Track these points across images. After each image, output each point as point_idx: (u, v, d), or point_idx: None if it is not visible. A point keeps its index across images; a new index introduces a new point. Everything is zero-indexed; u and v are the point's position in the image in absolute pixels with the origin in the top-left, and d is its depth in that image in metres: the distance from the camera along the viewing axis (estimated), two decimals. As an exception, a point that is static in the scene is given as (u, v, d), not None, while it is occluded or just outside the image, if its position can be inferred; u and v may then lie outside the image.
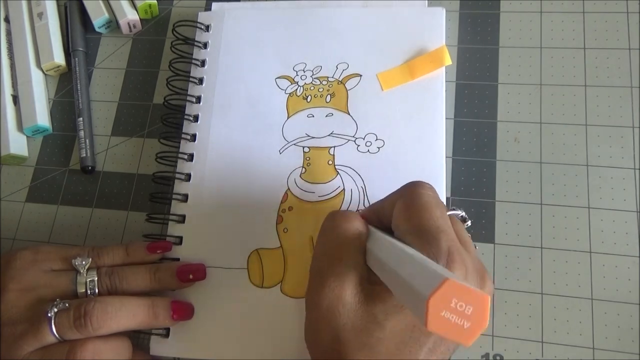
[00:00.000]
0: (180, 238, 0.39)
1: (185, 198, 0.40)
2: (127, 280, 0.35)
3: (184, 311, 0.36)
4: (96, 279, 0.35)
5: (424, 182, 0.30)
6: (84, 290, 0.34)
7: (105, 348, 0.33)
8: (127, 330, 0.34)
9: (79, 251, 0.36)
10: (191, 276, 0.37)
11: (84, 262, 0.35)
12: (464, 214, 0.33)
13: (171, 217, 0.39)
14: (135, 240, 0.38)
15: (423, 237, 0.27)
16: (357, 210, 0.37)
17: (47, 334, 0.32)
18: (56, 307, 0.33)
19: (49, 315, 0.32)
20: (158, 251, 0.38)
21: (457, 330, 0.19)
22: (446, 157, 0.39)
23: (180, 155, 0.41)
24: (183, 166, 0.41)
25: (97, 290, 0.34)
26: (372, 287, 0.28)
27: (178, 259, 0.38)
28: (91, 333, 0.32)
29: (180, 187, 0.41)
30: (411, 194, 0.29)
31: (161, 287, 0.36)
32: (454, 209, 0.33)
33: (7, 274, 0.34)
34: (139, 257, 0.37)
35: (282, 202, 0.39)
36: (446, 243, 0.26)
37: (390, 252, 0.26)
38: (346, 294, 0.27)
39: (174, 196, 0.40)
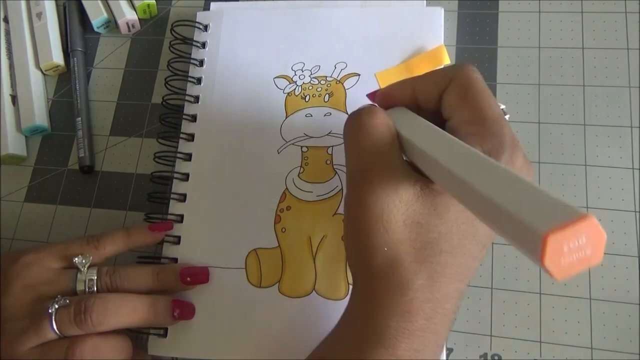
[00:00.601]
0: (179, 238, 0.39)
1: (183, 198, 0.40)
2: (129, 279, 0.35)
3: (185, 310, 0.36)
4: (95, 277, 0.35)
5: (474, 66, 0.27)
6: (83, 288, 0.34)
7: (105, 345, 0.33)
8: (128, 327, 0.34)
9: (79, 246, 0.36)
10: (194, 279, 0.37)
11: (84, 261, 0.35)
12: (504, 107, 0.31)
13: (169, 216, 0.39)
14: (135, 224, 0.38)
15: (487, 126, 0.25)
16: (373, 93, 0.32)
17: (48, 330, 0.32)
18: (57, 304, 0.33)
19: (50, 311, 0.32)
20: (159, 231, 0.38)
21: (584, 261, 0.18)
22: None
23: (178, 155, 0.41)
24: (181, 166, 0.41)
25: (95, 289, 0.35)
26: (422, 178, 0.26)
27: (176, 259, 0.38)
28: (91, 329, 0.32)
29: (178, 186, 0.41)
30: (467, 80, 0.27)
31: (163, 289, 0.36)
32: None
33: (11, 272, 0.35)
34: (141, 239, 0.37)
35: (280, 202, 0.39)
36: (509, 132, 0.25)
37: (463, 157, 0.23)
38: (401, 187, 0.25)
39: (172, 196, 0.40)
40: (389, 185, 0.25)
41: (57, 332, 0.32)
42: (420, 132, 0.26)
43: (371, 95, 0.32)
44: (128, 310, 0.34)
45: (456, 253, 0.25)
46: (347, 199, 0.27)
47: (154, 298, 0.35)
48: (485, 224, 0.22)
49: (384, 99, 0.30)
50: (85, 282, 0.34)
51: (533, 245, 0.18)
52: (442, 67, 0.28)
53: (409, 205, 0.25)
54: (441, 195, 0.25)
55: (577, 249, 0.18)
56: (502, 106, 0.30)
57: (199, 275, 0.37)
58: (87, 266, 0.35)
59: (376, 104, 0.30)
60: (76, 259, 0.35)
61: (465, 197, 0.22)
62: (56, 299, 0.33)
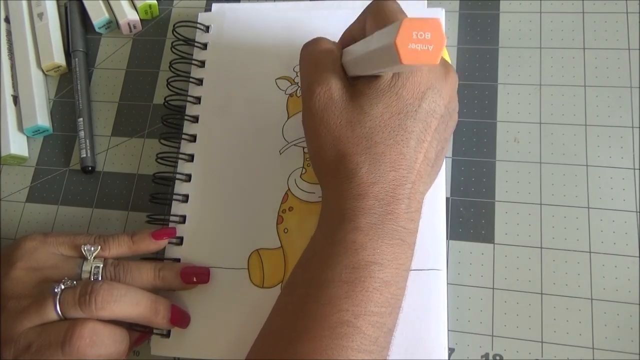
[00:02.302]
0: (181, 239, 0.39)
1: (185, 198, 0.40)
2: (132, 273, 0.36)
3: (181, 318, 0.36)
4: (101, 266, 0.35)
5: None
6: (88, 276, 0.35)
7: (105, 331, 0.33)
8: (127, 319, 0.34)
9: (86, 238, 0.37)
10: (195, 279, 0.37)
11: (92, 249, 0.36)
12: None
13: (172, 217, 0.40)
14: (140, 229, 0.38)
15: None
16: None
17: (50, 310, 0.32)
18: (63, 284, 0.33)
19: (56, 290, 0.33)
20: (163, 238, 0.38)
21: (425, 54, 0.24)
22: (446, 157, 0.39)
23: (180, 156, 0.41)
24: (184, 167, 0.41)
25: (100, 278, 0.35)
26: (353, 86, 0.31)
27: (179, 260, 0.38)
28: (93, 312, 0.33)
29: (180, 187, 0.41)
30: (377, 7, 0.31)
31: (164, 286, 0.36)
32: None
33: (17, 253, 0.35)
34: (145, 246, 0.38)
35: (282, 203, 0.39)
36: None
37: (361, 44, 0.30)
38: (334, 94, 0.31)
39: (174, 197, 0.40)
40: (326, 94, 0.31)
41: (59, 312, 0.32)
42: (348, 53, 0.32)
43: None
44: (131, 301, 0.34)
45: (390, 144, 0.30)
46: (302, 114, 0.33)
47: (157, 297, 0.35)
48: (380, 66, 0.28)
49: (340, 46, 0.34)
50: (91, 269, 0.35)
51: (393, 33, 0.24)
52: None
53: (341, 109, 0.31)
54: (366, 97, 0.30)
55: (422, 41, 0.23)
56: None
57: (199, 275, 0.37)
58: (94, 255, 0.35)
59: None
60: (85, 247, 0.36)
61: (363, 63, 0.29)
62: (63, 281, 0.33)
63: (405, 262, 0.30)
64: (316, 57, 0.33)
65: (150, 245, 0.38)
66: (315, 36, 0.43)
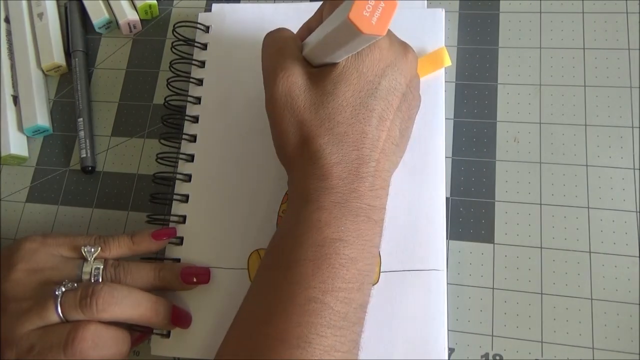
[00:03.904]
0: (181, 239, 0.39)
1: (186, 199, 0.40)
2: (132, 274, 0.36)
3: (182, 318, 0.36)
4: (102, 267, 0.35)
5: None
6: (88, 277, 0.35)
7: (106, 333, 0.33)
8: (129, 320, 0.34)
9: (86, 239, 0.37)
10: (195, 279, 0.37)
11: (92, 250, 0.36)
12: None
13: (172, 217, 0.40)
14: (140, 230, 0.38)
15: None
16: None
17: (52, 312, 0.32)
18: (64, 287, 0.33)
19: (57, 293, 0.33)
20: (163, 238, 0.38)
21: (379, 23, 0.25)
22: (446, 157, 0.39)
23: (181, 156, 0.41)
24: (184, 167, 0.41)
25: (100, 279, 0.35)
26: (316, 71, 0.32)
27: (179, 260, 0.39)
28: (95, 315, 0.33)
29: (181, 187, 0.41)
30: None
31: (164, 286, 0.37)
32: None
33: (17, 254, 0.35)
34: (145, 246, 0.38)
35: (282, 203, 0.39)
36: None
37: (318, 30, 0.31)
38: (297, 78, 0.31)
39: (174, 197, 0.40)
40: (289, 79, 0.31)
41: (61, 315, 0.32)
42: (308, 43, 0.33)
43: None
44: (132, 303, 0.34)
45: (352, 123, 0.30)
46: (265, 100, 0.33)
47: (157, 298, 0.35)
48: (338, 50, 0.29)
49: (301, 37, 0.35)
50: (91, 271, 0.35)
51: (353, 31, 0.25)
52: None
53: (305, 93, 0.31)
54: (327, 77, 0.31)
55: (374, 8, 0.25)
56: None
57: (199, 275, 0.37)
58: (94, 256, 0.35)
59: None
60: (85, 248, 0.36)
61: (322, 48, 0.30)
62: (63, 283, 0.33)
63: (372, 239, 0.31)
64: (278, 44, 0.33)
65: (151, 245, 0.38)
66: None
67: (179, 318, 0.36)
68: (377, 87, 0.31)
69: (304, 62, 0.32)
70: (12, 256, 0.35)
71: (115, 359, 0.34)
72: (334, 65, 0.31)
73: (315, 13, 0.35)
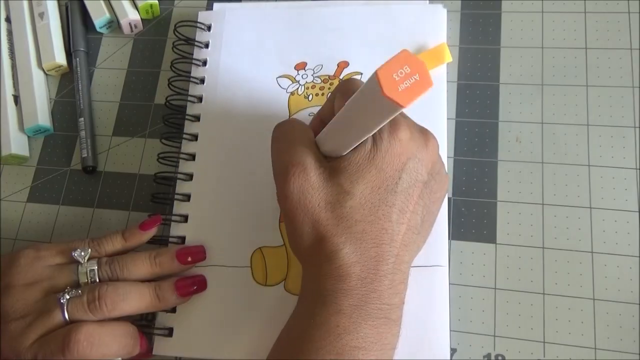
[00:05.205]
0: (183, 238, 0.39)
1: (187, 198, 0.40)
2: (128, 267, 0.36)
3: (190, 286, 0.37)
4: (96, 268, 0.35)
5: (354, 78, 0.32)
6: (85, 280, 0.35)
7: (101, 330, 0.33)
8: (138, 312, 0.35)
9: (79, 243, 0.37)
10: (190, 258, 0.37)
11: (83, 253, 0.36)
12: None
13: (174, 217, 0.40)
14: (130, 226, 0.39)
15: None
16: None
17: (58, 320, 0.33)
18: (68, 294, 0.33)
19: (62, 301, 0.33)
20: (151, 227, 0.38)
21: (418, 85, 0.22)
22: (448, 157, 0.39)
23: (182, 155, 0.41)
24: (185, 166, 0.41)
25: (97, 279, 0.35)
26: (330, 164, 0.30)
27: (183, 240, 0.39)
28: (106, 315, 0.33)
29: (182, 187, 0.41)
30: (345, 85, 0.31)
31: (162, 271, 0.37)
32: None
33: (12, 271, 0.35)
34: (136, 239, 0.38)
35: (283, 202, 0.39)
36: None
37: (334, 121, 0.29)
38: (310, 175, 0.29)
39: (176, 196, 0.40)
40: (301, 176, 0.29)
41: (69, 321, 0.33)
42: (322, 134, 0.31)
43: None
44: (136, 296, 0.34)
45: (371, 220, 0.29)
46: (277, 195, 0.31)
47: (157, 284, 0.36)
48: (362, 126, 0.27)
49: (313, 129, 0.33)
50: (87, 273, 0.35)
51: (376, 91, 0.22)
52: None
53: (319, 190, 0.29)
54: (345, 174, 0.29)
55: (406, 76, 0.22)
56: None
57: (195, 254, 0.38)
58: (86, 258, 0.36)
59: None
60: (75, 252, 0.36)
61: (342, 133, 0.28)
62: (66, 290, 0.34)
63: (391, 341, 0.29)
64: (289, 136, 0.31)
65: (141, 237, 0.38)
66: (316, 34, 0.43)
67: (186, 288, 0.36)
68: (397, 182, 0.29)
69: (317, 155, 0.30)
70: (7, 273, 0.35)
71: (123, 353, 0.34)
72: (350, 159, 0.29)
73: (325, 105, 0.33)
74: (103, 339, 0.33)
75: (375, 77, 0.22)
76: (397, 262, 0.29)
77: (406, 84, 0.22)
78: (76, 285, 0.35)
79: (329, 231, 0.29)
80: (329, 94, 0.41)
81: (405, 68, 0.22)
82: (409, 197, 0.29)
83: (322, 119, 0.33)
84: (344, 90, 0.30)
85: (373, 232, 0.29)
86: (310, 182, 0.29)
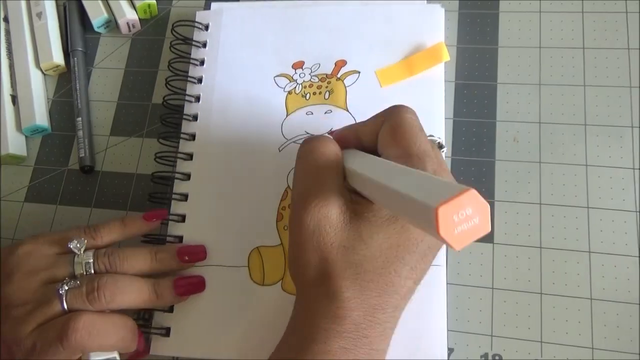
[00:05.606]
0: (181, 237, 0.39)
1: (185, 197, 0.40)
2: (128, 260, 0.36)
3: (189, 285, 0.37)
4: (92, 260, 0.35)
5: (407, 106, 0.31)
6: (81, 270, 0.35)
7: (100, 320, 0.33)
8: (135, 307, 0.35)
9: (76, 231, 0.37)
10: (190, 257, 0.37)
11: (78, 245, 0.36)
12: (441, 140, 0.35)
13: (171, 217, 0.39)
14: (131, 215, 0.39)
15: (412, 162, 0.28)
16: (331, 131, 0.37)
17: (57, 310, 0.33)
18: (67, 285, 0.33)
19: (60, 292, 0.33)
20: (154, 219, 0.38)
21: (475, 229, 0.21)
22: (445, 156, 0.39)
23: (180, 155, 0.41)
24: (182, 165, 0.41)
25: (93, 271, 0.35)
26: (355, 206, 0.29)
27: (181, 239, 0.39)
28: (104, 306, 0.33)
29: (180, 186, 0.41)
30: (397, 118, 0.30)
31: (162, 268, 0.37)
32: (432, 136, 0.34)
33: (11, 262, 0.35)
34: (136, 227, 0.38)
35: (282, 200, 0.39)
36: (431, 166, 0.28)
37: (384, 170, 0.27)
38: (332, 212, 0.28)
39: (174, 196, 0.40)
40: (322, 210, 0.28)
41: (68, 311, 0.33)
42: (359, 160, 0.30)
43: (331, 134, 0.34)
44: (135, 290, 0.35)
45: (381, 273, 0.28)
46: (290, 217, 0.30)
47: (156, 280, 0.36)
48: (400, 215, 0.26)
49: (337, 141, 0.32)
50: (82, 264, 0.35)
51: (431, 221, 0.20)
52: (381, 111, 0.31)
53: (337, 231, 0.28)
54: (367, 223, 0.28)
55: (465, 219, 0.20)
56: (438, 139, 0.34)
57: (196, 253, 0.38)
58: (82, 249, 0.35)
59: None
60: (71, 244, 0.36)
61: (381, 196, 0.26)
62: (65, 280, 0.34)
63: None
64: (320, 162, 0.30)
65: (142, 226, 0.38)
66: (313, 33, 0.43)
67: (185, 287, 0.36)
68: (418, 245, 0.28)
69: (343, 191, 0.29)
70: (7, 263, 0.35)
71: (120, 345, 0.34)
72: (376, 212, 0.28)
73: (371, 122, 0.31)
74: (102, 329, 0.33)
75: (434, 213, 0.20)
76: (394, 311, 0.29)
77: (464, 226, 0.21)
78: (72, 275, 0.35)
79: (336, 272, 0.28)
80: (326, 93, 0.41)
81: (468, 210, 0.20)
82: (425, 257, 0.29)
83: (358, 135, 0.32)
84: (394, 124, 0.29)
85: (380, 283, 0.28)
86: (330, 220, 0.28)
